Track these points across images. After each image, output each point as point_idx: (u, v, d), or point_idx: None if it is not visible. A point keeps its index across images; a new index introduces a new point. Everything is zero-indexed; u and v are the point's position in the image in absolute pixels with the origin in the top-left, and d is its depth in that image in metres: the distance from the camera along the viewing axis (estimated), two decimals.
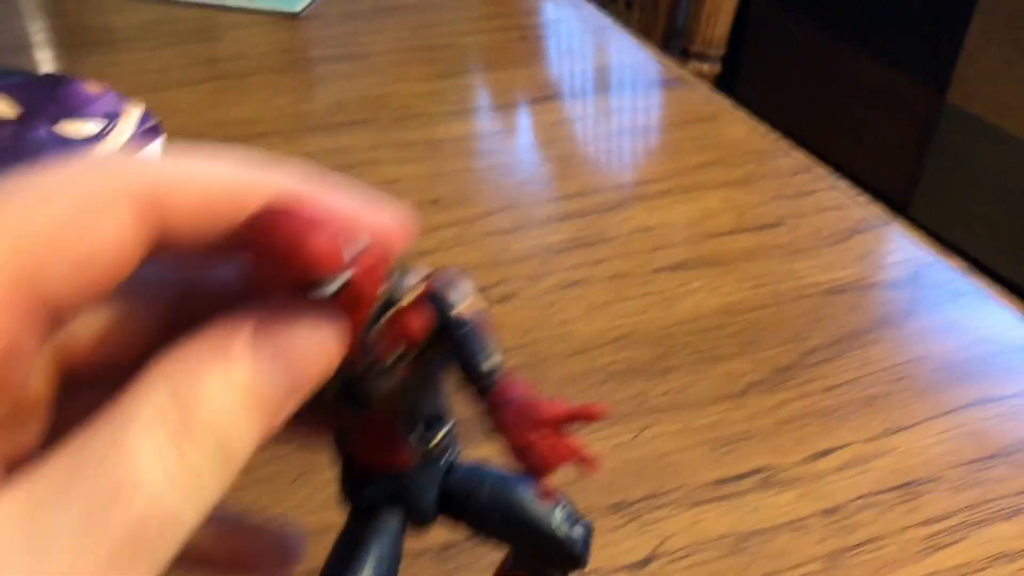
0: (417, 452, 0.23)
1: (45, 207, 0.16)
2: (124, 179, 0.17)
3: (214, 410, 0.16)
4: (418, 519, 0.24)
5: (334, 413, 0.22)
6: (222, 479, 0.16)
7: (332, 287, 0.17)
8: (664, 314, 0.45)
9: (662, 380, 0.41)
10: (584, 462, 0.18)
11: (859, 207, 0.53)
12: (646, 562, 0.33)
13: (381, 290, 0.19)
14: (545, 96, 0.66)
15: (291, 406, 0.18)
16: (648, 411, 0.39)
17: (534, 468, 0.18)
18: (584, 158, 0.59)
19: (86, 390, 0.18)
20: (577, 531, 0.24)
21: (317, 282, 0.17)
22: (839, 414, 0.39)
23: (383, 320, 0.19)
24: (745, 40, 2.07)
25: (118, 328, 0.19)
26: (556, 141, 0.61)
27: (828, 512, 0.35)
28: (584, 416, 0.18)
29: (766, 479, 0.36)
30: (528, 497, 0.24)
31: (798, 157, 0.58)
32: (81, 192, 0.16)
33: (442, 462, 0.23)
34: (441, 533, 0.33)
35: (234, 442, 0.16)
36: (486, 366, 0.19)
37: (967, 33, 1.63)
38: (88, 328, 0.19)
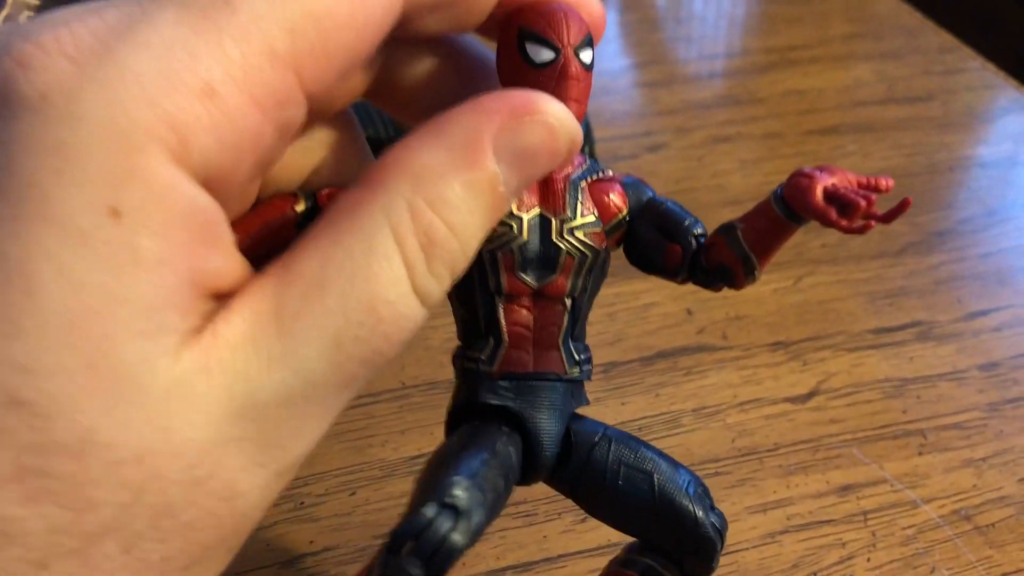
0: (566, 365, 0.20)
1: None
2: None
3: (457, 220, 0.16)
4: (537, 456, 0.20)
5: (502, 286, 0.20)
6: (453, 280, 0.16)
7: (547, 55, 0.18)
8: None
9: (818, 235, 0.41)
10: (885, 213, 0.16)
11: (1010, 88, 0.52)
12: (810, 396, 0.34)
13: (582, 163, 0.20)
14: None
15: (515, 196, 0.17)
16: (806, 261, 0.40)
17: (844, 204, 0.17)
18: (732, 20, 0.58)
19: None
20: (713, 517, 0.20)
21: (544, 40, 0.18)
22: (996, 279, 0.39)
23: (589, 179, 0.20)
24: None
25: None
26: (703, 2, 0.60)
27: (986, 367, 0.36)
28: (876, 186, 0.17)
29: (924, 332, 0.37)
30: (659, 462, 0.20)
31: (945, 36, 0.57)
32: None
33: (573, 396, 0.21)
34: None
35: (471, 244, 0.16)
36: (698, 229, 0.19)
37: None
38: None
